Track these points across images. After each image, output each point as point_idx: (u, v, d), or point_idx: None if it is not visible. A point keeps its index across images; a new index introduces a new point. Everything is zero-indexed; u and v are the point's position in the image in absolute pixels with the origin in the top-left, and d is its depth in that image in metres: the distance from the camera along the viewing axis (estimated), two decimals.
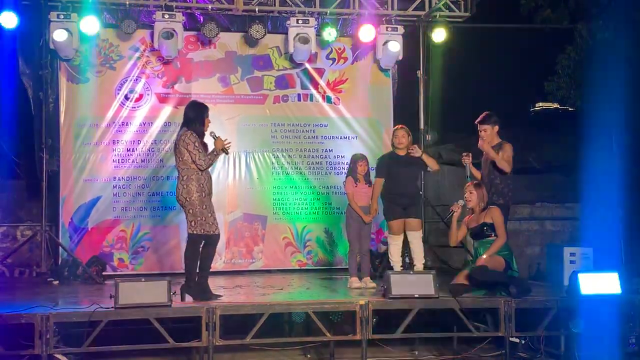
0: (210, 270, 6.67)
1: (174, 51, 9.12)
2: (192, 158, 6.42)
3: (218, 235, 6.68)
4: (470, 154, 7.44)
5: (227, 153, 6.80)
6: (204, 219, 6.46)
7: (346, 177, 7.77)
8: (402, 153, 7.57)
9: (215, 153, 6.56)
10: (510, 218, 7.79)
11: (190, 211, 6.47)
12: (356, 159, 7.70)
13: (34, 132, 9.11)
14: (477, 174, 7.57)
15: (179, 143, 6.50)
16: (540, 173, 11.96)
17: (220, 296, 6.63)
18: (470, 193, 7.00)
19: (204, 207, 6.47)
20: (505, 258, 6.82)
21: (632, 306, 6.72)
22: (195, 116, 6.59)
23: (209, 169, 6.64)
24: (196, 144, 6.44)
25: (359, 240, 7.59)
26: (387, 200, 7.58)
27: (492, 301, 6.57)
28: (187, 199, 6.45)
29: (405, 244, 7.75)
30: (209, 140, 6.68)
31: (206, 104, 6.86)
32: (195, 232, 6.47)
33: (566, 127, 13.37)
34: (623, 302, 6.71)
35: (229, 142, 6.65)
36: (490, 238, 6.86)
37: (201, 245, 6.56)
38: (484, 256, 6.78)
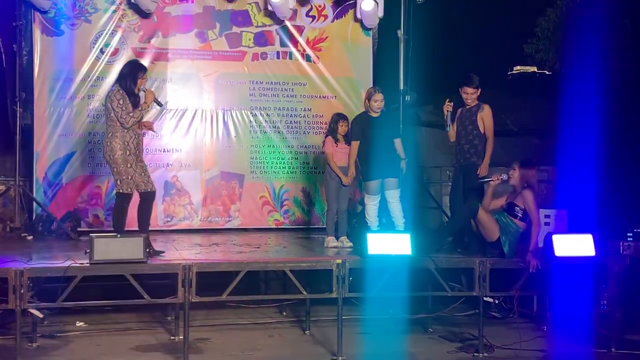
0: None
1: (152, 5, 8.97)
2: (115, 115, 6.36)
3: (152, 192, 6.64)
4: (452, 103, 7.39)
5: (160, 104, 6.72)
6: (129, 177, 6.42)
7: (325, 136, 7.74)
8: (375, 115, 7.51)
9: (141, 109, 6.48)
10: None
11: (115, 169, 6.44)
12: (337, 119, 7.65)
13: (6, 85, 8.94)
14: (452, 131, 7.52)
15: (106, 101, 6.46)
16: (516, 136, 12.03)
17: (162, 252, 6.63)
18: (514, 170, 6.78)
19: (128, 165, 6.41)
20: (504, 236, 6.71)
21: (605, 268, 6.82)
22: (128, 72, 6.52)
23: (159, 131, 6.61)
24: (120, 102, 6.35)
25: (337, 200, 7.59)
26: (363, 161, 7.56)
27: (467, 261, 6.63)
28: (111, 156, 6.41)
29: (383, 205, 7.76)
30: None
31: (145, 65, 6.77)
32: (120, 190, 6.47)
33: (544, 90, 13.44)
34: (596, 264, 6.81)
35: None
36: (515, 221, 6.69)
37: (128, 204, 6.53)
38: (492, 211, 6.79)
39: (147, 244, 6.14)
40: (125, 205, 6.50)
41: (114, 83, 6.60)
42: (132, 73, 6.52)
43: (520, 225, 6.71)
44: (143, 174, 6.52)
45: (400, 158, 7.56)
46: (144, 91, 6.61)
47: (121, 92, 6.40)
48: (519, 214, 6.70)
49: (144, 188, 6.51)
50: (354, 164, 7.57)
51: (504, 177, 6.84)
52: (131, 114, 6.38)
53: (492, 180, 6.84)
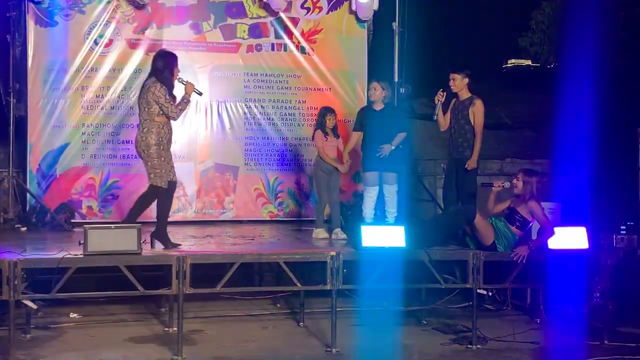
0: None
1: None
2: (164, 111, 6.32)
3: (175, 182, 6.64)
4: (445, 93, 7.36)
5: (200, 94, 6.72)
6: (162, 171, 6.39)
7: (315, 130, 7.75)
8: (378, 107, 7.53)
9: (185, 100, 6.46)
10: (480, 173, 7.83)
11: (149, 163, 6.40)
12: (324, 112, 7.70)
13: None
14: (444, 121, 7.50)
15: (147, 94, 6.32)
16: (510, 129, 12.04)
17: (179, 245, 6.62)
18: (518, 180, 6.67)
19: (162, 159, 6.39)
20: (499, 241, 6.65)
21: (598, 261, 6.84)
22: (163, 66, 6.42)
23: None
24: (167, 97, 6.32)
25: (328, 192, 7.62)
26: (363, 152, 7.59)
27: (461, 253, 6.64)
28: (145, 150, 6.37)
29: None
30: (177, 92, 6.53)
31: (175, 53, 6.68)
32: (155, 183, 6.41)
33: (538, 84, 13.44)
34: (590, 257, 6.83)
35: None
36: (512, 229, 6.60)
37: (156, 198, 6.49)
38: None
39: (165, 236, 6.34)
40: (154, 198, 6.46)
41: (148, 76, 6.46)
42: (169, 65, 6.43)
43: (517, 232, 6.65)
44: (168, 163, 6.50)
45: (402, 153, 7.55)
46: (184, 83, 6.50)
47: (163, 86, 6.33)
48: (518, 223, 6.63)
49: (169, 178, 6.49)
50: (351, 154, 7.61)
51: (507, 184, 6.82)
52: (179, 107, 6.38)
53: (493, 186, 6.81)
